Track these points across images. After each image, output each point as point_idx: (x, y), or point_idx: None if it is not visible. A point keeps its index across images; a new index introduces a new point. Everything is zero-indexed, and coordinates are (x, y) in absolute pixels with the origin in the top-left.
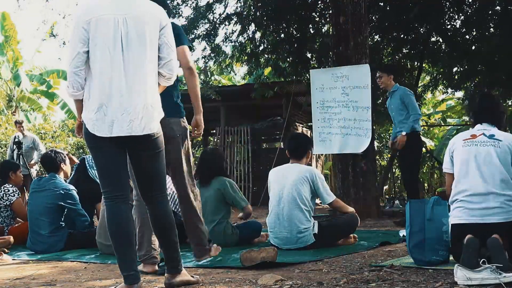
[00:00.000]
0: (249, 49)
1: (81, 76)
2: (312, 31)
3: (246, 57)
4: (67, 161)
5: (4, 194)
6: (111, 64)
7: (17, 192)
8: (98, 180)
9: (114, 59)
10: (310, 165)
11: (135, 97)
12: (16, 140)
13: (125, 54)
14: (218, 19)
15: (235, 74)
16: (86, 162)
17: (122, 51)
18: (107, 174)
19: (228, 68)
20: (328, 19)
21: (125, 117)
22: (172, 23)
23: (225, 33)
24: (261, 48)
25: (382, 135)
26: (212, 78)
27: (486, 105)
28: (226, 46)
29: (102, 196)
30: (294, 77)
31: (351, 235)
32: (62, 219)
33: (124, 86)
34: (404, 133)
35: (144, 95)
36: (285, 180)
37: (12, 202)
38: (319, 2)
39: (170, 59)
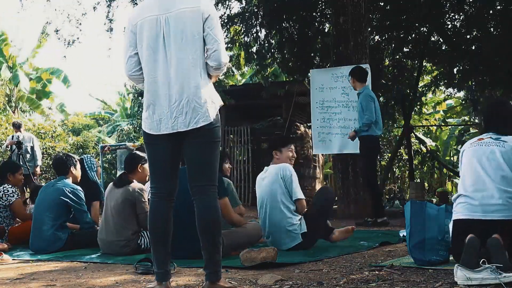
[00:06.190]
0: (254, 49)
1: (138, 79)
2: (313, 31)
3: (253, 57)
4: (78, 165)
5: (4, 195)
6: (154, 64)
7: (16, 193)
8: (96, 180)
9: (157, 59)
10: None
11: (178, 94)
12: (16, 140)
13: (168, 53)
14: (222, 21)
15: (241, 73)
16: (85, 163)
17: (164, 51)
18: (155, 171)
19: (233, 69)
20: (329, 19)
21: (169, 114)
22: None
23: (227, 36)
24: (265, 47)
25: (382, 135)
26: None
27: (496, 113)
28: (231, 46)
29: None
30: (297, 76)
31: (344, 228)
32: (65, 219)
33: (167, 85)
34: (353, 130)
35: (187, 91)
36: (262, 184)
37: (11, 202)
38: (320, 2)
39: (215, 49)
